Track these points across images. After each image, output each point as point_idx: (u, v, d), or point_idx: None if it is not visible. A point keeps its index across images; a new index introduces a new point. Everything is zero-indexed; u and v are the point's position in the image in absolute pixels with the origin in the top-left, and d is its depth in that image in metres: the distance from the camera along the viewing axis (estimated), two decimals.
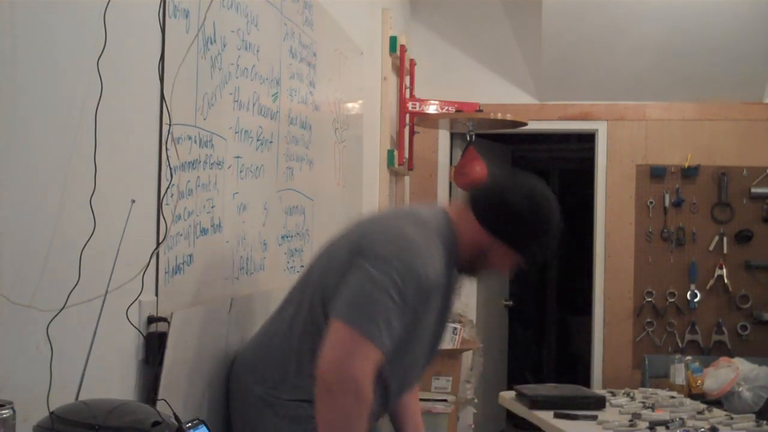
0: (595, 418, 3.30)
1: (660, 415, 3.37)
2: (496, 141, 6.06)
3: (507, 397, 3.90)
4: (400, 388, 2.08)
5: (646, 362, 5.11)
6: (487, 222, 1.97)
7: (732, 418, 3.39)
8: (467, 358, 4.46)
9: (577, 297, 7.05)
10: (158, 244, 1.76)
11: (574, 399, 3.55)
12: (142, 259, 1.70)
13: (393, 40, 4.37)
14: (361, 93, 3.71)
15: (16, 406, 1.18)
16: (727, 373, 4.50)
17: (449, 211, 2.04)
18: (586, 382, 5.48)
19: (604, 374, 5.34)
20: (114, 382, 1.63)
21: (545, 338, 7.99)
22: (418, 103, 4.69)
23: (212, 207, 2.04)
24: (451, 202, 2.10)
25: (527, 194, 1.98)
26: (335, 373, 1.75)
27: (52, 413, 1.32)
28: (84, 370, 1.49)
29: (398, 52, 4.46)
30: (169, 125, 1.79)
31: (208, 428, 1.54)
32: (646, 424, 3.19)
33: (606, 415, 3.38)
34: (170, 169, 1.79)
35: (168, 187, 1.79)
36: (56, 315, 1.40)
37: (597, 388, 4.97)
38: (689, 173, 5.29)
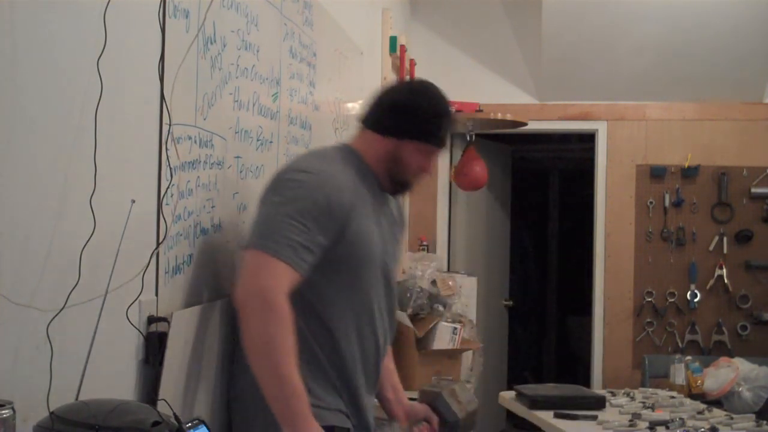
0: (595, 418, 3.30)
1: (660, 415, 3.37)
2: (496, 141, 6.06)
3: (507, 397, 3.90)
4: (371, 328, 2.08)
5: (646, 362, 5.11)
6: (382, 127, 2.08)
7: (732, 418, 3.39)
8: (467, 358, 4.46)
9: (577, 297, 7.06)
10: (158, 244, 1.76)
11: (574, 399, 3.55)
12: (142, 259, 1.70)
13: (393, 40, 4.36)
14: (361, 93, 3.70)
15: (16, 406, 1.18)
16: (727, 373, 4.50)
17: (348, 142, 2.15)
18: (586, 382, 5.48)
19: (604, 374, 5.34)
20: (114, 382, 1.63)
21: (545, 338, 7.99)
22: None
23: (212, 207, 2.04)
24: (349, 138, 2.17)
25: (405, 88, 2.13)
26: (246, 292, 1.82)
27: (52, 413, 1.32)
28: (84, 370, 1.49)
29: (398, 52, 4.46)
30: (169, 125, 1.79)
31: (208, 428, 1.54)
32: (646, 424, 3.19)
33: (606, 415, 3.38)
34: (170, 169, 1.79)
35: (168, 187, 1.79)
36: (56, 315, 1.40)
37: (597, 388, 4.97)
38: (689, 173, 5.29)
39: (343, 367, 2.04)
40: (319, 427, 1.82)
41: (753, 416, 3.44)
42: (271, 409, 1.81)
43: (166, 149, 1.78)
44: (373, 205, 2.07)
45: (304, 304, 1.95)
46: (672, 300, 5.29)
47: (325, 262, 1.94)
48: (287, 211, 1.88)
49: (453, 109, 2.16)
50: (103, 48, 1.52)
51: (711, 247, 5.28)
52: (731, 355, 4.91)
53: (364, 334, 2.07)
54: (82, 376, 1.49)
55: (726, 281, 5.24)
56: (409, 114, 2.07)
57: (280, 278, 1.82)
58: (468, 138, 4.89)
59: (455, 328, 4.16)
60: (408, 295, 4.22)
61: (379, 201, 2.12)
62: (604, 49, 5.15)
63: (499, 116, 4.60)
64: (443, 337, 4.14)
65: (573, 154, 7.36)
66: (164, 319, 1.76)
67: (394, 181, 2.13)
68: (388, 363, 2.35)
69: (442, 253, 5.44)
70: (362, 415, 2.11)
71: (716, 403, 4.24)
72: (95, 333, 1.52)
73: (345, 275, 2.00)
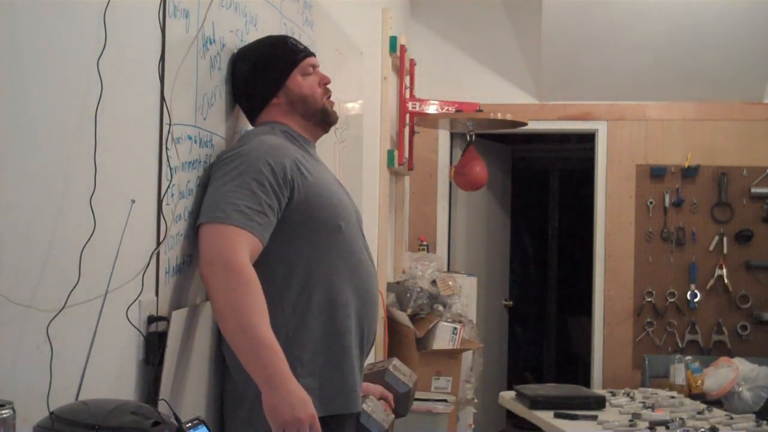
0: (595, 418, 3.30)
1: (660, 415, 3.37)
2: (496, 141, 6.06)
3: (507, 397, 3.90)
4: (366, 278, 2.08)
5: (646, 362, 5.11)
6: (264, 95, 2.12)
7: (732, 418, 3.39)
8: (467, 358, 4.46)
9: (577, 297, 7.06)
10: (158, 244, 1.76)
11: (574, 399, 3.56)
12: (142, 259, 1.70)
13: (393, 40, 4.37)
14: (361, 93, 3.71)
15: (16, 406, 1.18)
16: (727, 373, 4.50)
17: (261, 122, 2.15)
18: (586, 382, 5.48)
19: (604, 374, 5.34)
20: (114, 382, 1.63)
21: (545, 338, 8.00)
22: (418, 103, 4.69)
23: None
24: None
25: (238, 61, 2.13)
26: (207, 263, 1.81)
27: (52, 413, 1.32)
28: (84, 370, 1.50)
29: (398, 52, 4.46)
30: (169, 125, 1.79)
31: (208, 428, 1.54)
32: (646, 424, 3.20)
33: (606, 415, 3.39)
34: (170, 169, 1.79)
35: (168, 187, 1.79)
36: (56, 315, 1.40)
37: (597, 388, 4.97)
38: (689, 173, 5.30)
39: (342, 333, 2.03)
40: (300, 388, 1.78)
41: (753, 416, 3.44)
42: (251, 375, 1.78)
43: (166, 149, 1.78)
44: (314, 161, 2.11)
45: (294, 277, 1.97)
46: (672, 300, 5.29)
47: (301, 223, 1.96)
48: (227, 181, 1.88)
49: (278, 37, 2.25)
50: (103, 48, 1.52)
51: (711, 247, 5.28)
52: (731, 355, 4.91)
53: (359, 286, 2.07)
54: (82, 376, 1.49)
55: (726, 281, 5.24)
56: (261, 66, 2.11)
57: (236, 242, 1.81)
58: (468, 138, 4.89)
59: (455, 328, 4.16)
60: (408, 295, 4.22)
61: (318, 160, 2.16)
62: (605, 49, 5.16)
63: (499, 116, 4.60)
64: (443, 337, 4.14)
65: (573, 154, 7.36)
66: (164, 319, 1.76)
67: (317, 116, 2.15)
68: None
69: (442, 253, 5.44)
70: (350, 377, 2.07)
71: (716, 403, 4.25)
72: (95, 333, 1.52)
73: (323, 229, 2.00)
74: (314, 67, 2.18)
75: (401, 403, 2.44)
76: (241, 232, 1.82)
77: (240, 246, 1.81)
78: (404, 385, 2.44)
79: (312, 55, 2.20)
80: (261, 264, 1.89)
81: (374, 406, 2.21)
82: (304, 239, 1.99)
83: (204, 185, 1.96)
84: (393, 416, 2.31)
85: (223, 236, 1.81)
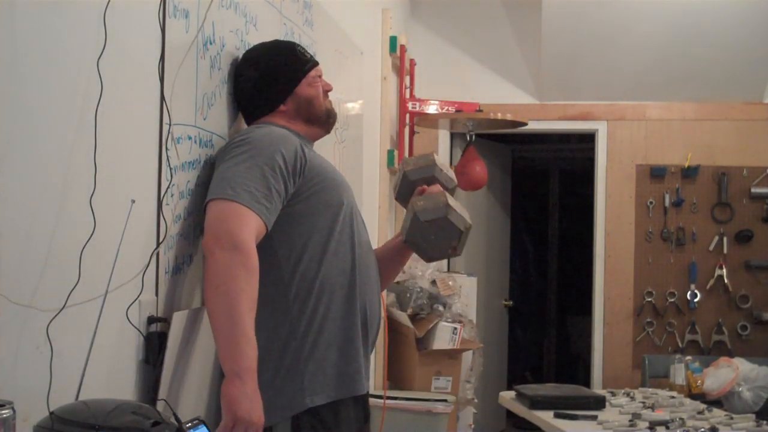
0: (595, 418, 3.30)
1: (660, 415, 3.37)
2: (496, 141, 6.06)
3: (507, 397, 3.90)
4: (354, 249, 2.08)
5: (646, 362, 5.11)
6: (272, 102, 2.14)
7: (732, 418, 3.38)
8: (467, 358, 4.46)
9: (577, 297, 7.06)
10: (158, 244, 1.76)
11: (574, 399, 3.55)
12: (142, 259, 1.70)
13: (393, 40, 4.37)
14: (361, 93, 3.71)
15: (16, 406, 1.18)
16: (727, 373, 4.50)
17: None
18: (586, 382, 5.48)
19: (604, 374, 5.34)
20: (114, 382, 1.63)
21: (545, 338, 7.99)
22: (418, 103, 4.69)
23: None
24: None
25: (245, 67, 2.15)
26: (213, 236, 1.79)
27: (52, 413, 1.32)
28: (84, 370, 1.50)
29: (398, 52, 4.46)
30: (169, 125, 1.79)
31: (208, 428, 1.54)
32: (646, 424, 3.19)
33: (606, 415, 3.38)
34: (170, 169, 1.79)
35: (168, 187, 1.79)
36: (56, 315, 1.40)
37: (597, 388, 4.97)
38: (689, 173, 5.29)
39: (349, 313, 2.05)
40: (257, 391, 1.76)
41: (753, 416, 3.44)
42: (222, 360, 1.76)
43: (166, 149, 1.79)
44: (317, 157, 2.14)
45: (299, 262, 1.98)
46: (672, 300, 5.29)
47: (307, 200, 1.99)
48: (238, 163, 1.89)
49: (287, 43, 2.27)
50: (103, 48, 1.52)
51: (711, 247, 5.28)
52: (731, 355, 4.91)
53: (353, 247, 2.09)
54: (82, 376, 1.49)
55: (726, 281, 5.24)
56: (271, 74, 2.13)
57: (246, 222, 1.81)
58: (468, 138, 4.89)
59: (455, 328, 4.16)
60: (408, 295, 4.22)
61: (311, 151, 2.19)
62: (604, 49, 5.15)
63: (499, 116, 4.60)
64: (443, 337, 4.14)
65: (573, 154, 7.36)
66: (164, 319, 1.76)
67: (321, 118, 2.19)
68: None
69: None
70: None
71: (716, 403, 4.24)
72: (95, 333, 1.53)
73: (327, 209, 2.03)
74: (318, 75, 2.21)
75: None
76: (250, 213, 1.83)
77: (250, 227, 1.82)
78: (452, 180, 2.37)
79: (317, 64, 2.23)
80: (265, 250, 1.89)
81: (454, 202, 2.20)
82: (309, 221, 2.00)
83: (205, 183, 1.96)
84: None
85: (234, 213, 1.81)
